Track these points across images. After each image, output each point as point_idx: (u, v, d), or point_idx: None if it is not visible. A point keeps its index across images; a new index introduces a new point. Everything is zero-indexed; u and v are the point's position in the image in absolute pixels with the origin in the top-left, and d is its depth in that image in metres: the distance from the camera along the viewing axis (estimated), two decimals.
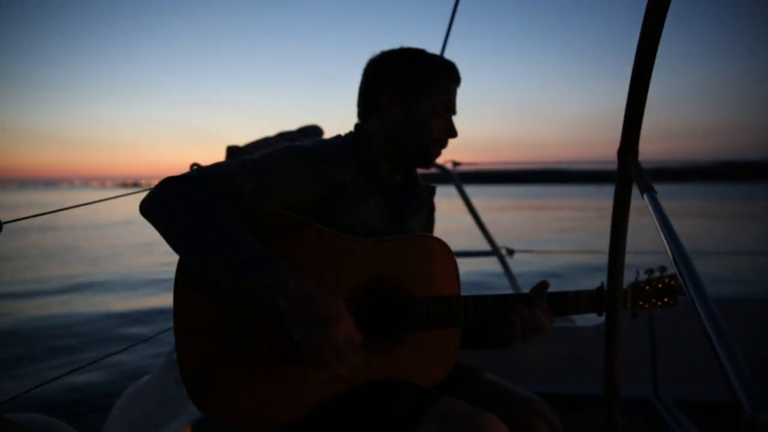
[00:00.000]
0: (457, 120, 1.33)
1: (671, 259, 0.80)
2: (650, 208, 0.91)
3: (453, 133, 1.31)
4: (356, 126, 1.34)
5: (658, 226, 0.86)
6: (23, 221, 1.41)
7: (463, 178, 3.10)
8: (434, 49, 1.32)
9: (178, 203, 1.03)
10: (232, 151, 2.24)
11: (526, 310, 1.24)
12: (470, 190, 3.07)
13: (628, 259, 1.28)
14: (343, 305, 1.05)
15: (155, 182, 1.11)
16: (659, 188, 0.94)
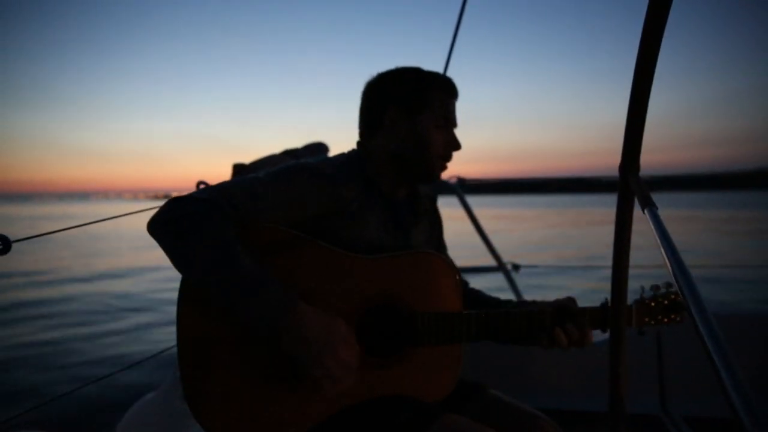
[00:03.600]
0: (465, 133, 1.35)
1: (671, 274, 0.80)
2: (651, 223, 0.91)
3: (456, 146, 1.33)
4: (359, 144, 1.36)
5: (659, 242, 0.86)
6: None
7: (468, 189, 3.10)
8: (438, 62, 1.34)
9: (183, 224, 1.05)
10: (237, 168, 2.27)
11: (572, 326, 1.28)
12: (474, 201, 3.07)
13: (635, 273, 1.27)
14: (342, 328, 1.08)
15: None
16: (663, 197, 0.94)
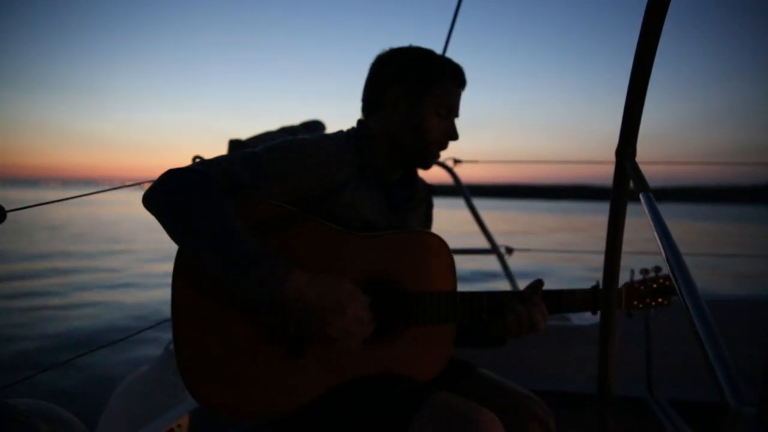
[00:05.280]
0: (460, 130, 1.33)
1: (664, 258, 0.81)
2: (645, 207, 0.92)
3: (454, 136, 1.32)
4: (359, 122, 1.35)
5: (653, 226, 0.87)
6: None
7: (475, 192, 3.09)
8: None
9: (180, 196, 1.05)
10: (234, 144, 2.25)
11: (522, 307, 1.25)
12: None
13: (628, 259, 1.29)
14: (347, 286, 1.08)
15: None
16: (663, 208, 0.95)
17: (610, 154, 1.10)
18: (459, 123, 1.34)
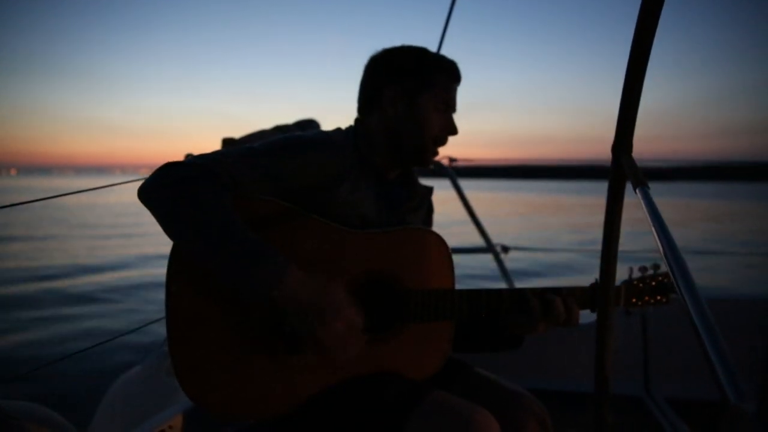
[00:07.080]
0: (457, 116, 1.33)
1: (662, 254, 0.80)
2: (642, 203, 0.91)
3: (453, 131, 1.32)
4: (356, 120, 1.34)
5: (650, 222, 0.87)
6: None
7: (459, 173, 3.08)
8: (431, 42, 1.33)
9: (177, 190, 1.03)
10: (227, 142, 2.24)
11: (559, 297, 1.26)
12: (465, 184, 3.07)
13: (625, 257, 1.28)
14: (341, 292, 1.06)
15: None
16: (658, 186, 0.95)
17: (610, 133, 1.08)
18: (458, 116, 1.34)
